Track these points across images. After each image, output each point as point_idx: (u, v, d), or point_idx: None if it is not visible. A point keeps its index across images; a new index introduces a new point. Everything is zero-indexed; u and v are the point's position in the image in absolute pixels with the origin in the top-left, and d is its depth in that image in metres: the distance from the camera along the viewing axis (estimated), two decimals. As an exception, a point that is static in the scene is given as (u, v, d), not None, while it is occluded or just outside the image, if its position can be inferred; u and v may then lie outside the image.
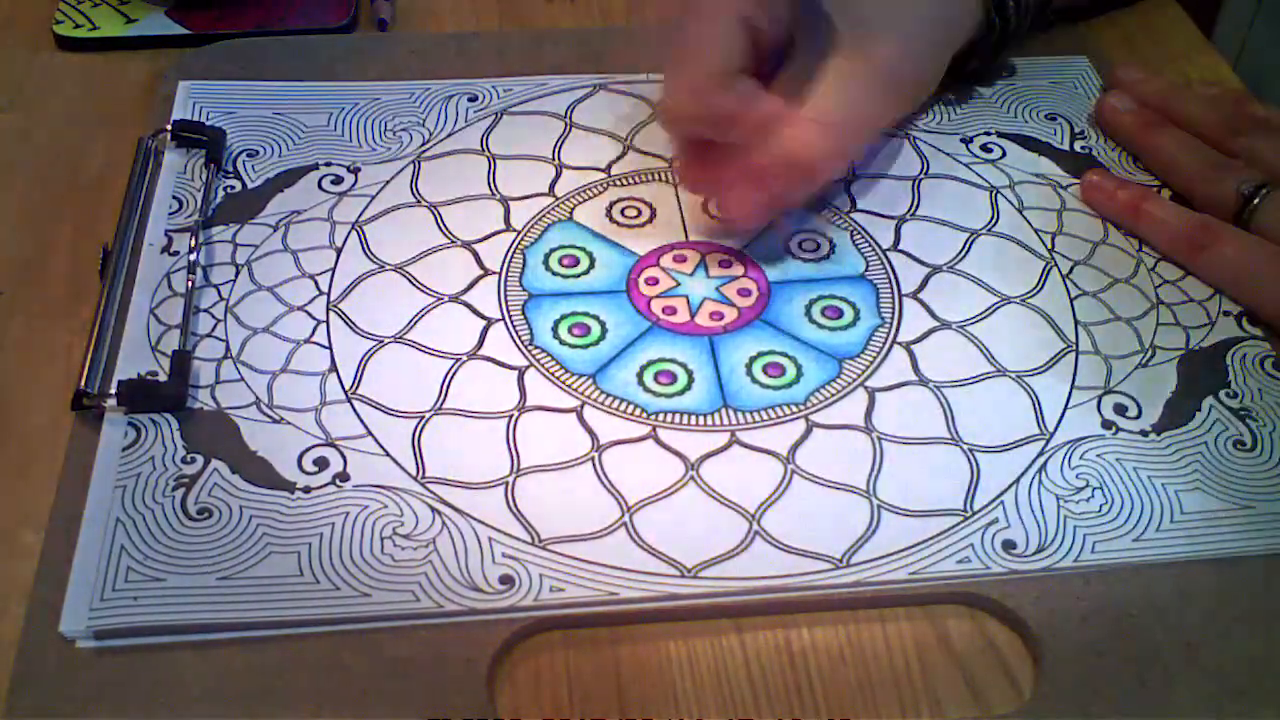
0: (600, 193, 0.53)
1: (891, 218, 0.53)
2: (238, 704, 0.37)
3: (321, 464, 0.43)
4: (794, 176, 0.48)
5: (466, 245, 0.51)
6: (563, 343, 0.47)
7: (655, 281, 0.50)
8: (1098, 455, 0.44)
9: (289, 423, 0.44)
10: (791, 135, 0.47)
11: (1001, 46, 0.57)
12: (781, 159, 0.47)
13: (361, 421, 0.44)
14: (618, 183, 0.54)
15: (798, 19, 0.50)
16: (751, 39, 0.48)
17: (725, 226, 0.52)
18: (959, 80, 0.58)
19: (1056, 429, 0.45)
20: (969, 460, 0.44)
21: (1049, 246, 0.52)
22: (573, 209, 0.53)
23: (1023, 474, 0.43)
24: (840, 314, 0.49)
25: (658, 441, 0.44)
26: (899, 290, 0.50)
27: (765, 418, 0.45)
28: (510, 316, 0.48)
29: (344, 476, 0.42)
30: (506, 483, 0.42)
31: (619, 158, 0.55)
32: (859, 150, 0.52)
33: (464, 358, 0.46)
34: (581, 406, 0.45)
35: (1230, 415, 0.45)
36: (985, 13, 0.55)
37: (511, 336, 0.47)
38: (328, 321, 0.47)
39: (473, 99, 0.57)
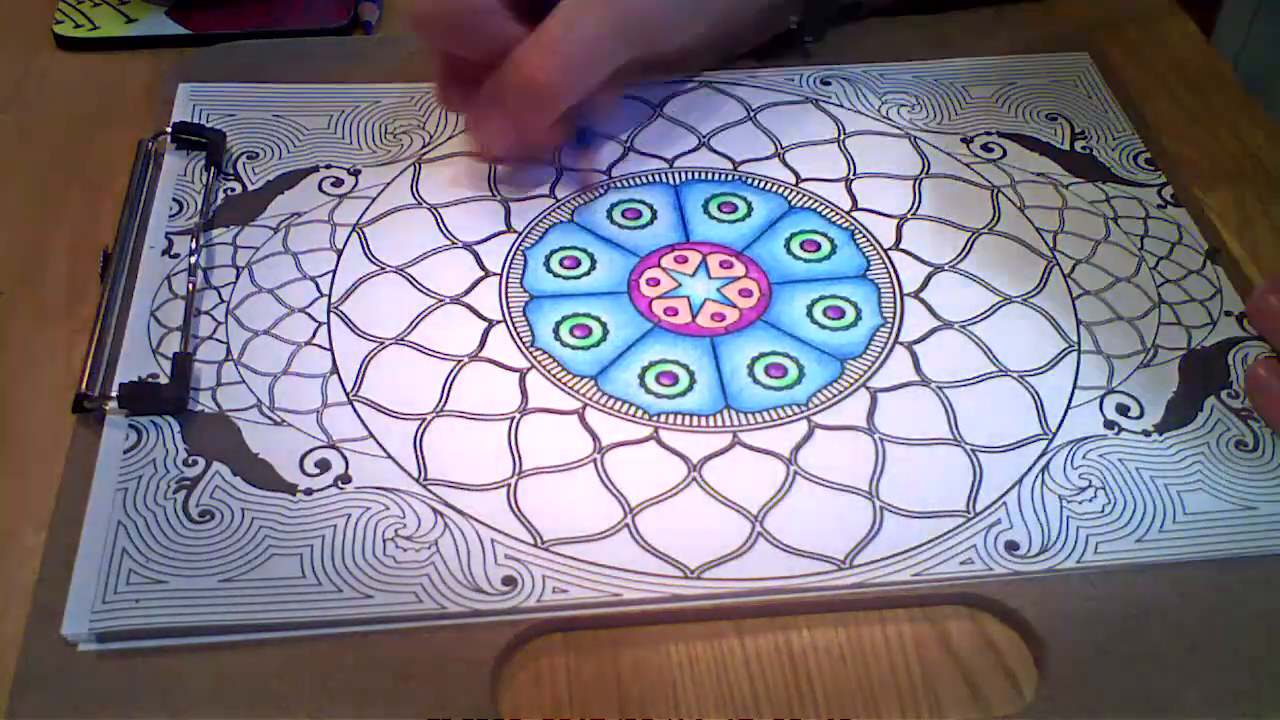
0: (601, 194, 0.53)
1: (893, 217, 0.53)
2: (240, 706, 0.37)
3: (323, 466, 0.42)
4: (524, 100, 0.49)
5: (467, 246, 0.51)
6: (564, 344, 0.47)
7: (656, 282, 0.50)
8: (1100, 455, 0.44)
9: (290, 425, 0.44)
10: (518, 57, 0.48)
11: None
12: (510, 81, 0.48)
13: (363, 423, 0.44)
14: (618, 184, 0.54)
15: None
16: None
17: (481, 154, 0.53)
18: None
19: (1059, 429, 0.45)
20: (971, 461, 0.44)
21: (1051, 245, 0.52)
22: (573, 210, 0.52)
23: (1025, 474, 0.43)
24: (842, 314, 0.49)
25: (660, 443, 0.44)
26: (901, 290, 0.50)
27: (767, 419, 0.45)
28: (511, 318, 0.48)
29: (346, 478, 0.42)
30: (509, 484, 0.42)
31: (619, 159, 0.55)
32: (585, 82, 0.49)
33: (465, 359, 0.46)
34: (583, 408, 0.45)
35: (1232, 415, 0.45)
36: None
37: (513, 338, 0.47)
38: (329, 323, 0.47)
39: (473, 100, 0.57)
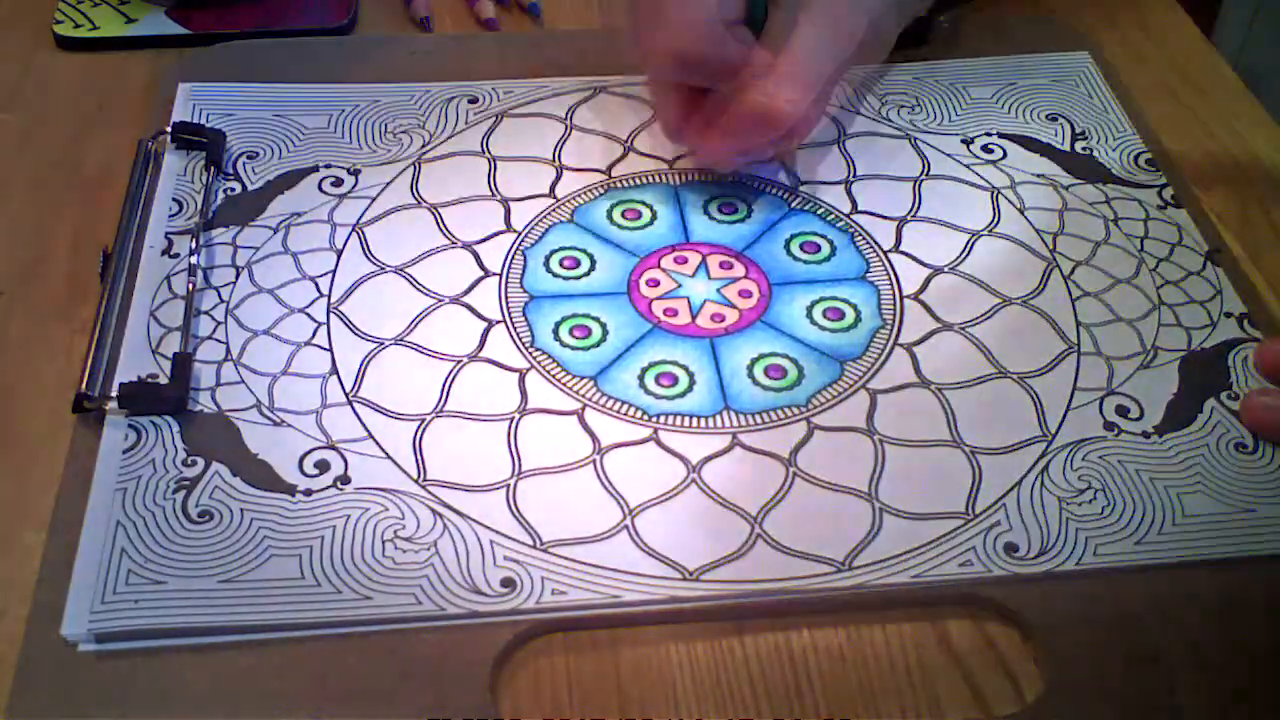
0: (601, 194, 0.53)
1: (893, 219, 0.53)
2: (239, 707, 0.37)
3: (322, 467, 0.42)
4: (767, 128, 0.49)
5: (467, 246, 0.51)
6: (564, 345, 0.47)
7: (656, 283, 0.50)
8: (1100, 457, 0.44)
9: (290, 425, 0.44)
10: (772, 90, 0.48)
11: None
12: (760, 111, 0.48)
13: (362, 424, 0.44)
14: (618, 184, 0.54)
15: None
16: None
17: (701, 163, 0.54)
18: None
19: (1058, 431, 0.45)
20: (971, 462, 0.44)
21: (1050, 247, 0.52)
22: (573, 210, 0.52)
23: (1024, 476, 0.43)
24: (841, 315, 0.49)
25: (659, 444, 0.44)
26: (900, 292, 0.50)
27: (767, 420, 0.45)
28: (511, 318, 0.48)
29: (345, 479, 0.42)
30: (508, 485, 0.42)
31: (619, 159, 0.55)
32: (821, 105, 0.52)
33: (465, 360, 0.46)
34: (583, 409, 0.45)
35: (1232, 417, 0.45)
36: None
37: (512, 338, 0.47)
38: (328, 324, 0.47)
39: (473, 101, 0.57)
